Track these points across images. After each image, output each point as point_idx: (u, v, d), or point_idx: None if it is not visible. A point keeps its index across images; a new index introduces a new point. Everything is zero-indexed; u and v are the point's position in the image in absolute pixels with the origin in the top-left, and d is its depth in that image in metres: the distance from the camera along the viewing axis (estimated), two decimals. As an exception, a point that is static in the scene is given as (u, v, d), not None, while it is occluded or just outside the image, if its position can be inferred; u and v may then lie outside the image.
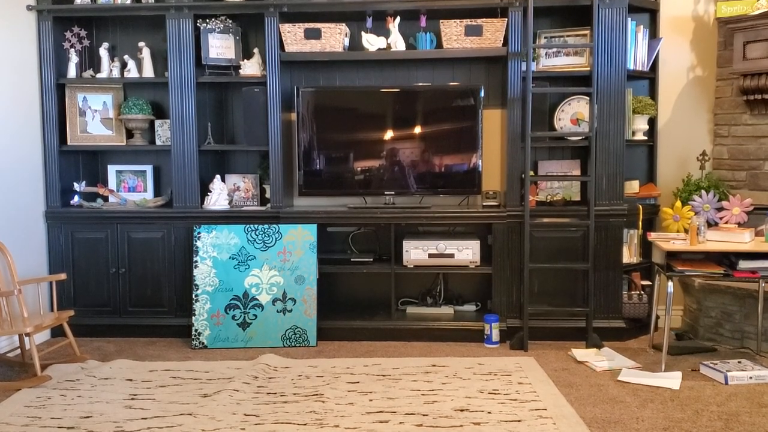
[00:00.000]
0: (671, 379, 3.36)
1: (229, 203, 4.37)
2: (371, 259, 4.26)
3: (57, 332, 4.22)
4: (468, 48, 4.10)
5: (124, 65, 4.39)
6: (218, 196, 4.29)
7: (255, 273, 4.07)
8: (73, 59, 4.34)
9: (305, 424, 2.88)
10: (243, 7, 4.18)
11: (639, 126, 4.25)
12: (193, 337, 4.05)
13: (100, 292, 4.29)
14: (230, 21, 4.26)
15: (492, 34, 4.06)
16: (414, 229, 4.37)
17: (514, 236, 4.06)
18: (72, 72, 4.34)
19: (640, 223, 4.13)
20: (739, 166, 4.15)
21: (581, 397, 3.18)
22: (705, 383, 3.35)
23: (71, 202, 4.36)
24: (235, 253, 4.08)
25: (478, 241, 4.14)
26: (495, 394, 3.18)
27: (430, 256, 4.12)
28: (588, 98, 4.01)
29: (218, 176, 4.34)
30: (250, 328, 4.05)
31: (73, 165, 4.45)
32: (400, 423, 2.88)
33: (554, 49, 4.15)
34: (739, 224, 3.76)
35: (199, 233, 4.10)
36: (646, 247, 4.18)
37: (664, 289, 3.69)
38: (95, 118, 4.43)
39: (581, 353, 3.80)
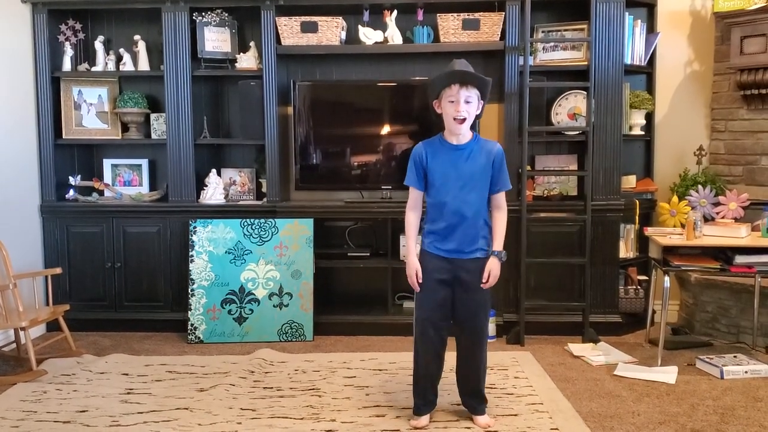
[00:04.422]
0: (667, 374, 3.37)
1: (225, 197, 4.36)
2: (368, 254, 4.26)
3: (52, 326, 4.20)
4: (465, 42, 4.09)
5: (119, 58, 4.36)
6: (214, 190, 4.27)
7: (251, 267, 4.06)
8: (68, 52, 4.31)
9: (302, 419, 2.88)
10: (239, 0, 4.15)
11: (636, 121, 4.24)
12: (189, 331, 4.04)
13: (95, 286, 4.28)
14: (226, 14, 4.23)
15: (489, 28, 4.05)
16: (411, 223, 4.35)
17: (510, 231, 4.03)
18: (67, 65, 4.31)
19: (637, 218, 4.13)
20: (735, 161, 4.15)
21: (577, 392, 3.18)
22: (701, 378, 3.36)
23: (66, 196, 4.34)
24: (231, 248, 4.07)
25: (475, 236, 4.13)
26: (491, 388, 3.17)
27: (427, 250, 4.10)
28: (585, 93, 4.00)
29: (214, 170, 4.32)
30: (247, 323, 4.04)
31: (68, 159, 4.43)
32: (397, 417, 2.88)
33: (551, 44, 4.14)
34: (736, 219, 3.76)
35: (195, 227, 4.09)
36: (642, 242, 4.18)
37: (660, 283, 3.68)
38: (90, 112, 4.40)
39: (578, 348, 3.81)
